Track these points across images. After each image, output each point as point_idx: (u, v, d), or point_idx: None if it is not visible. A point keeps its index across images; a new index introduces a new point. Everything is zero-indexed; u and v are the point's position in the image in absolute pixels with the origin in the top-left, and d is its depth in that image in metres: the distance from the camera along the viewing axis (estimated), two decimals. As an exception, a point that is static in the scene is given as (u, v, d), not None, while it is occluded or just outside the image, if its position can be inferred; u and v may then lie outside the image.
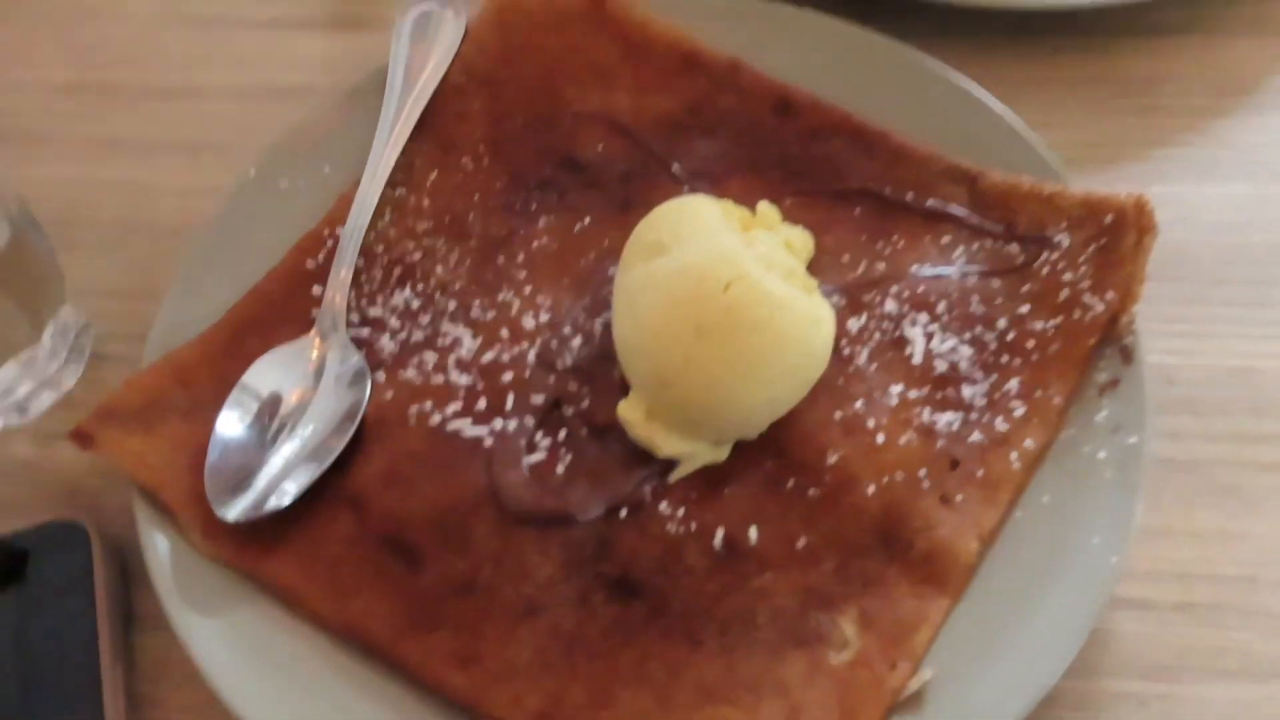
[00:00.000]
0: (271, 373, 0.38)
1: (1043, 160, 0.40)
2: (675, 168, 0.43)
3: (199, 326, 0.40)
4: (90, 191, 0.48)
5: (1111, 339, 0.37)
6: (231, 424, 0.36)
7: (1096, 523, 0.34)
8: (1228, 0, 0.48)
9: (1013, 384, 0.37)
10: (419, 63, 0.46)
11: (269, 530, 0.35)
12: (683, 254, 0.33)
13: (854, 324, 0.38)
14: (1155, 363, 0.39)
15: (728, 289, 0.32)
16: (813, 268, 0.39)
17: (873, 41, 0.44)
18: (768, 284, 0.32)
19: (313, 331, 0.39)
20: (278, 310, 0.41)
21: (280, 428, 0.37)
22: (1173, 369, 0.40)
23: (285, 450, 0.36)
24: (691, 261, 0.33)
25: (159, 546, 0.35)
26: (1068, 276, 0.38)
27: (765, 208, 0.37)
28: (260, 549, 0.35)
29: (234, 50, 0.52)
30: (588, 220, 0.42)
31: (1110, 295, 0.37)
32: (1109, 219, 0.37)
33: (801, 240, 0.38)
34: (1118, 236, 0.37)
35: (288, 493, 0.35)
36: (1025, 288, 0.38)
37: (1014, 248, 0.39)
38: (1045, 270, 0.38)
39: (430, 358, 0.39)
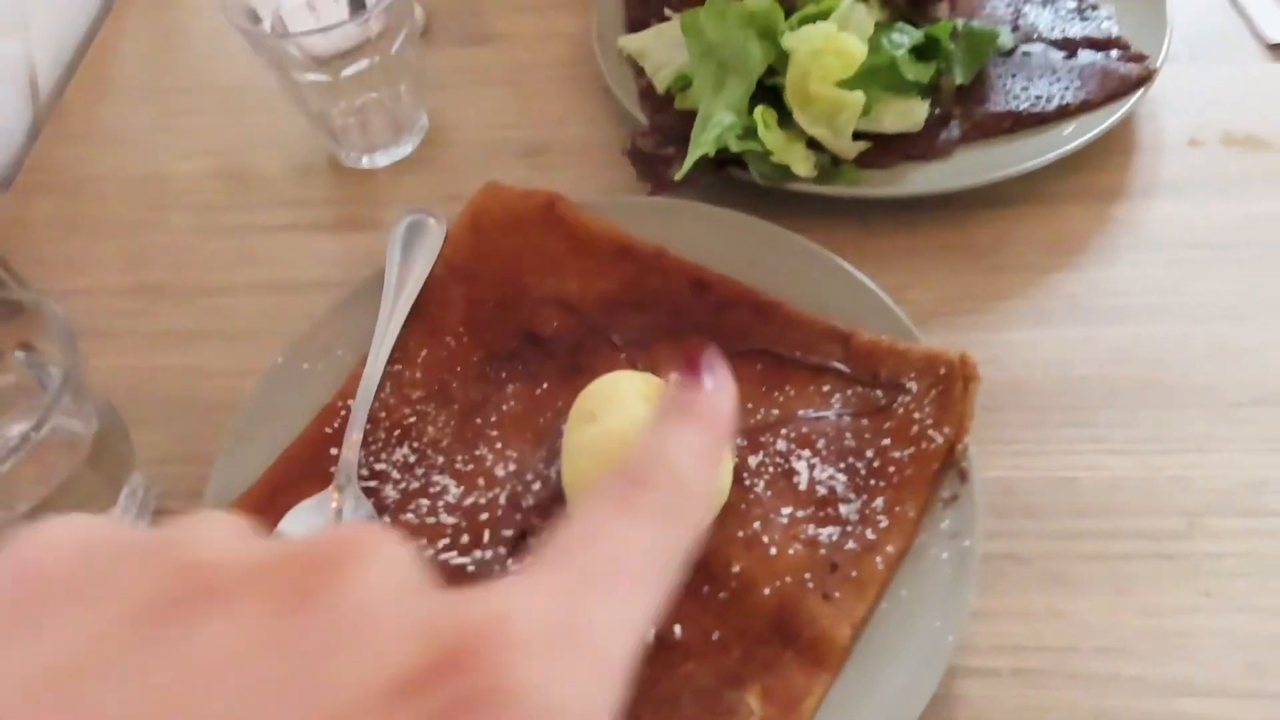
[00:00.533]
0: (301, 521, 0.48)
1: (899, 320, 0.51)
2: (614, 338, 0.54)
3: (243, 485, 0.50)
4: (149, 376, 0.59)
5: (952, 463, 0.47)
6: (271, 566, 0.47)
7: (938, 609, 0.43)
8: (1057, 175, 0.59)
9: (878, 502, 0.47)
10: (409, 261, 0.58)
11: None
12: (607, 422, 0.44)
13: (753, 461, 0.48)
14: (998, 476, 0.50)
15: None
16: (723, 415, 0.50)
17: (766, 229, 0.56)
18: (672, 441, 0.43)
19: (332, 486, 0.50)
20: (304, 470, 0.51)
21: (309, 567, 0.47)
22: (1012, 480, 0.50)
23: (313, 585, 0.46)
24: (614, 428, 0.43)
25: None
26: (917, 415, 0.48)
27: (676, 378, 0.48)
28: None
29: (259, 252, 0.64)
30: (545, 385, 0.53)
31: (947, 430, 0.47)
32: (943, 370, 0.48)
33: (709, 397, 0.49)
34: (950, 384, 0.48)
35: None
36: (886, 425, 0.49)
37: (878, 393, 0.50)
38: (900, 411, 0.49)
39: (424, 503, 0.49)
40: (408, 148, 0.67)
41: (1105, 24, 0.64)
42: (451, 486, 0.50)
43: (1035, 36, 0.64)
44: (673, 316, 0.55)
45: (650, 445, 0.25)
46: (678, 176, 0.57)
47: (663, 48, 0.65)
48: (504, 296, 0.56)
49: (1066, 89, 0.61)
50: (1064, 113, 0.60)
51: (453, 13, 0.76)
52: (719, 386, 0.27)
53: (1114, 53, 0.62)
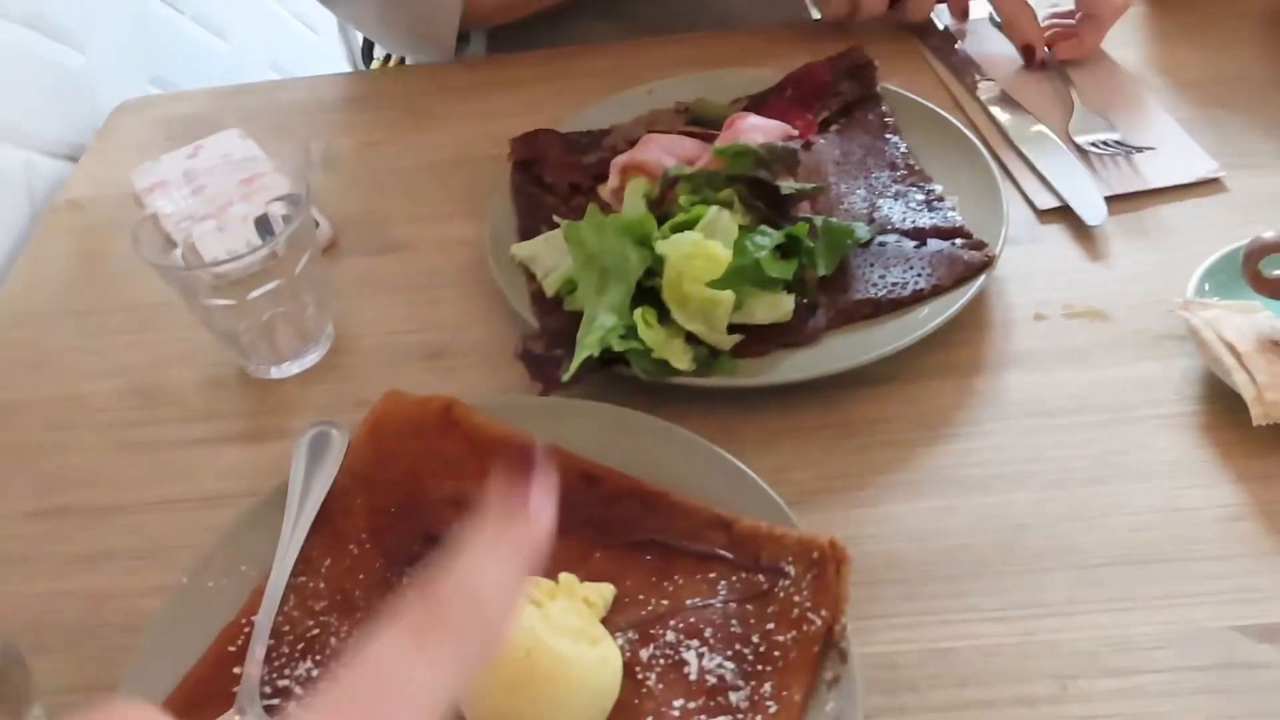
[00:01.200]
0: (200, 749, 0.49)
1: (776, 505, 0.54)
2: (512, 537, 0.56)
3: (142, 715, 0.51)
4: (54, 601, 0.59)
5: (832, 643, 0.49)
6: (167, 800, 0.47)
7: (827, 794, 0.45)
8: (920, 353, 0.64)
9: (766, 687, 0.49)
10: (313, 473, 0.60)
11: None
12: (494, 631, 0.45)
13: (644, 654, 0.50)
14: (882, 651, 0.52)
15: (528, 654, 0.44)
16: (615, 608, 0.52)
17: (650, 423, 0.59)
18: (558, 646, 0.45)
19: (233, 709, 0.50)
20: (207, 692, 0.52)
21: (205, 798, 0.47)
22: (895, 655, 0.52)
23: (209, 816, 0.46)
24: (500, 637, 0.45)
25: None
26: (796, 599, 0.51)
27: (565, 578, 0.50)
28: None
29: (169, 467, 0.66)
30: (445, 589, 0.55)
31: (824, 612, 0.50)
32: (816, 555, 0.51)
33: (599, 594, 0.51)
34: (823, 567, 0.51)
35: None
36: (770, 609, 0.51)
37: (760, 578, 0.52)
38: (782, 594, 0.51)
39: None
40: (314, 357, 0.71)
41: (950, 214, 0.70)
42: (351, 701, 0.50)
43: (889, 227, 0.70)
44: (567, 510, 0.56)
45: (460, 572, 0.26)
46: (565, 378, 0.61)
47: (551, 253, 0.70)
48: (404, 501, 0.59)
49: (919, 275, 0.67)
50: (919, 297, 0.66)
51: (360, 224, 0.81)
52: (540, 512, 0.28)
53: (958, 241, 0.68)
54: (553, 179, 0.78)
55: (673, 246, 0.62)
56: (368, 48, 1.35)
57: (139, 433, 0.69)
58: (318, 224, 0.79)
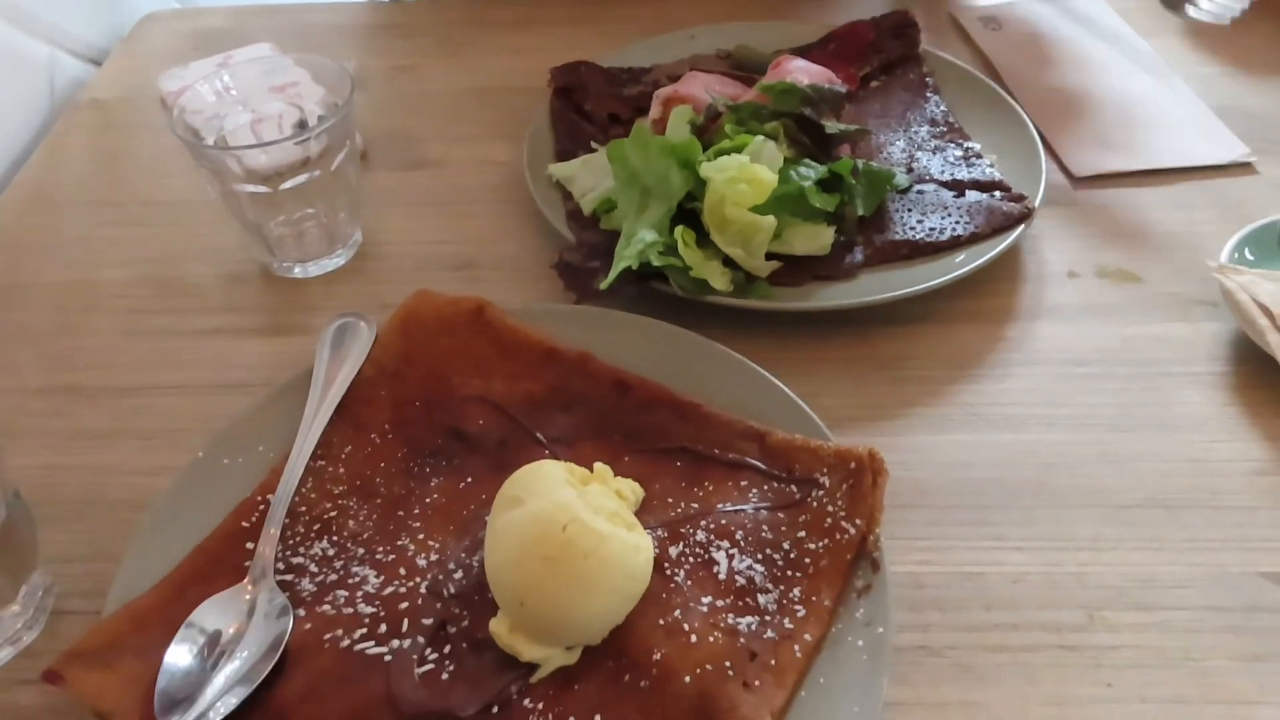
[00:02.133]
0: (212, 613, 0.47)
1: (811, 421, 0.54)
2: (540, 436, 0.55)
3: (153, 581, 0.49)
4: (60, 475, 0.58)
5: (864, 554, 0.49)
6: (178, 655, 0.45)
7: (856, 696, 0.44)
8: (952, 297, 0.64)
9: (795, 592, 0.48)
10: (338, 362, 0.59)
11: (206, 744, 0.43)
12: (533, 505, 0.44)
13: (674, 551, 0.49)
14: (908, 571, 0.52)
15: (565, 529, 0.43)
16: (643, 509, 0.51)
17: (686, 336, 0.59)
18: (595, 524, 0.44)
19: (246, 579, 0.49)
20: (218, 563, 0.50)
21: (219, 657, 0.45)
22: (921, 575, 0.51)
23: (222, 675, 0.45)
24: (539, 510, 0.44)
25: (109, 766, 0.43)
26: (830, 508, 0.50)
27: (600, 467, 0.49)
28: (198, 761, 0.43)
29: (183, 355, 0.64)
30: (470, 479, 0.54)
31: (859, 522, 0.49)
32: (853, 465, 0.51)
33: (631, 489, 0.51)
34: (860, 478, 0.50)
35: (221, 711, 0.44)
36: (801, 518, 0.50)
37: (792, 488, 0.52)
38: (814, 504, 0.51)
39: (342, 594, 0.48)
40: (340, 259, 0.69)
41: (988, 170, 0.71)
42: (371, 577, 0.49)
43: (927, 178, 0.70)
44: (597, 416, 0.56)
45: None
46: (603, 286, 0.60)
47: (589, 174, 0.69)
48: (431, 396, 0.58)
49: (957, 223, 0.67)
50: (956, 243, 0.65)
51: (391, 140, 0.80)
52: None
53: (997, 194, 0.68)
54: (592, 107, 0.77)
55: (717, 169, 0.62)
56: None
57: (154, 320, 0.67)
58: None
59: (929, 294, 0.62)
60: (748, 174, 0.62)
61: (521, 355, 0.59)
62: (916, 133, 0.75)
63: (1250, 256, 0.65)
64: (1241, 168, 0.75)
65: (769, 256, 0.63)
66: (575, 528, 0.43)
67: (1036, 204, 0.67)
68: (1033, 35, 0.89)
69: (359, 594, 0.48)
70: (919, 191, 0.70)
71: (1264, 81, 0.84)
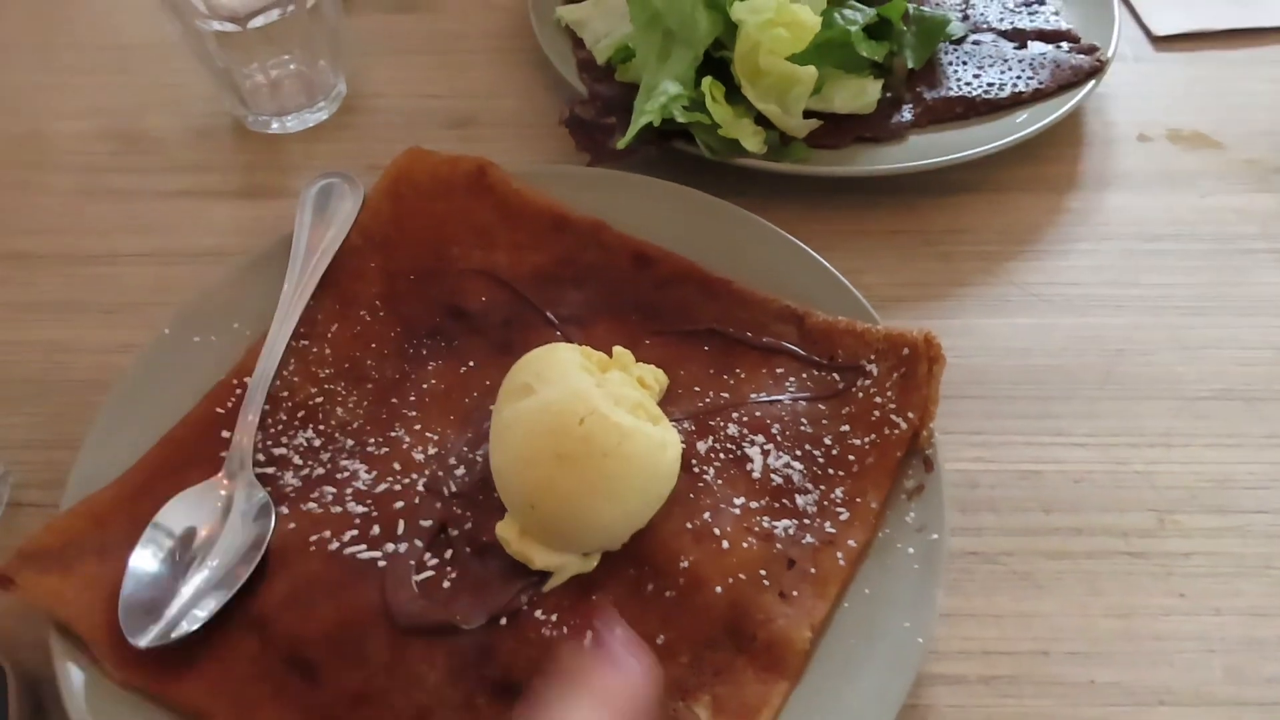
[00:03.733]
0: (182, 511, 0.42)
1: (857, 301, 0.48)
2: (549, 314, 0.49)
3: (116, 473, 0.44)
4: (13, 352, 0.52)
5: (916, 451, 0.43)
6: (145, 559, 0.40)
7: (907, 609, 0.39)
8: (1010, 163, 0.57)
9: (838, 492, 0.43)
10: (321, 228, 0.52)
11: (179, 656, 0.38)
12: (545, 394, 0.39)
13: (702, 446, 0.44)
14: (961, 469, 0.47)
15: (582, 422, 0.38)
16: (667, 398, 0.46)
17: (714, 204, 0.52)
18: (616, 417, 0.38)
19: (221, 472, 0.44)
20: (188, 454, 0.45)
21: (191, 560, 0.40)
22: (975, 474, 0.46)
23: (195, 581, 0.40)
24: (553, 400, 0.38)
25: (73, 679, 0.38)
26: (878, 399, 0.44)
27: (620, 352, 0.43)
28: (171, 673, 0.38)
29: (148, 219, 0.58)
30: (472, 363, 0.48)
31: (911, 415, 0.44)
32: (906, 351, 0.45)
33: (654, 376, 0.45)
34: (913, 365, 0.44)
35: (197, 618, 0.39)
36: (845, 410, 0.45)
37: (835, 376, 0.46)
38: (860, 395, 0.45)
39: (329, 491, 0.43)
40: (323, 114, 0.62)
41: (1053, 18, 0.62)
42: (362, 472, 0.44)
43: (985, 27, 0.62)
44: (613, 293, 0.50)
45: None
46: (620, 145, 0.53)
47: (603, 18, 0.61)
48: (426, 268, 0.51)
49: (1019, 78, 0.59)
50: (1017, 100, 0.58)
51: (375, -20, 0.71)
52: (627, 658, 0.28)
53: (1064, 45, 0.60)
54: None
55: (751, 10, 0.54)
56: None
57: (115, 179, 0.60)
58: (328, -29, 0.69)
59: (984, 159, 0.55)
60: (786, 16, 0.54)
61: (528, 223, 0.52)
62: (971, -26, 0.66)
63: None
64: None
65: (807, 114, 0.56)
66: (594, 420, 0.38)
67: (1110, 55, 0.59)
68: None
69: (348, 491, 0.43)
70: (975, 42, 0.62)
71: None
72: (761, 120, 0.56)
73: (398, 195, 0.53)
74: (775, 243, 0.50)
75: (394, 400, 0.47)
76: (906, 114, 0.58)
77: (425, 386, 0.47)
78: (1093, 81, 0.58)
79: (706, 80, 0.54)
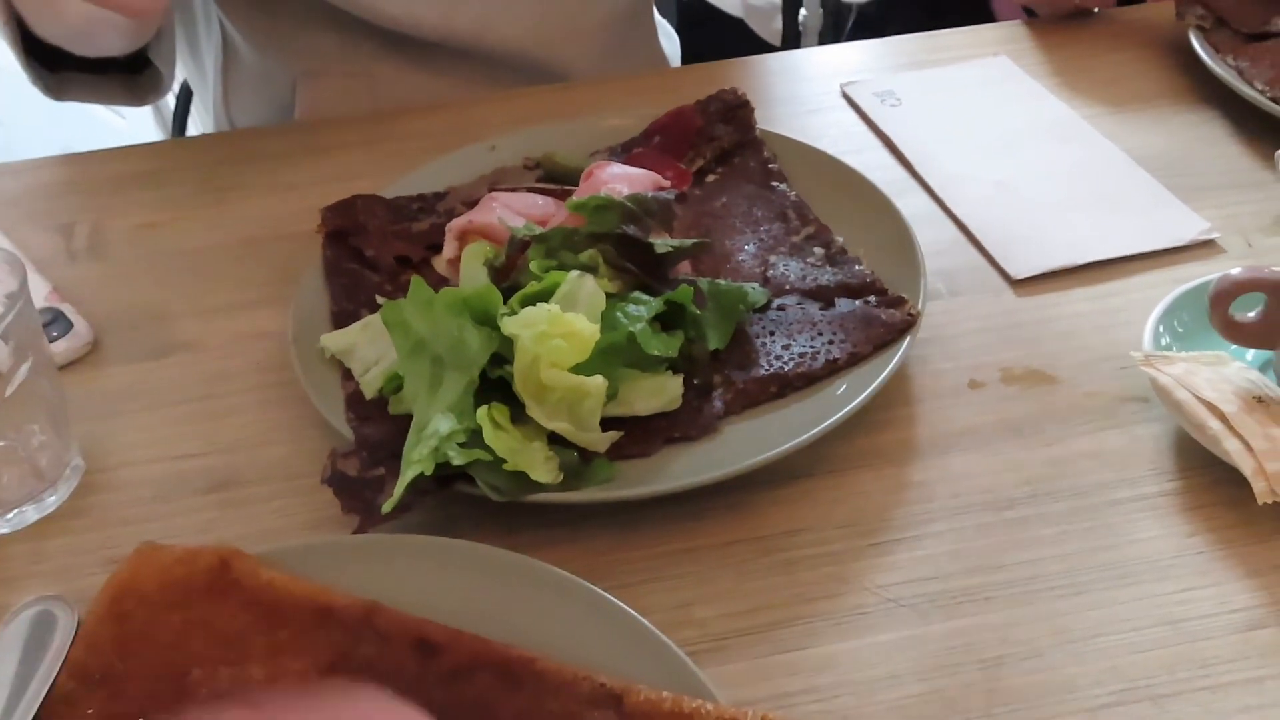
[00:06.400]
0: None
1: (683, 666, 0.40)
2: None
3: None
4: None
5: None
6: None
7: None
8: (840, 438, 0.52)
9: None
10: (27, 672, 0.42)
11: None
12: None
13: None
14: None
15: None
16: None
17: (505, 561, 0.44)
18: None
19: None
20: None
21: None
22: None
23: None
24: None
25: None
26: (719, 803, 0.36)
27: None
28: None
29: None
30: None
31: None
32: (742, 736, 0.37)
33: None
34: (755, 756, 0.36)
35: None
36: (684, 822, 0.36)
37: (667, 775, 0.37)
38: (699, 798, 0.36)
39: None
40: (54, 499, 0.53)
41: (857, 268, 0.59)
42: None
43: (788, 288, 0.58)
44: (397, 692, 0.41)
45: None
46: (387, 507, 0.45)
47: (371, 344, 0.55)
48: (160, 703, 0.41)
49: (830, 342, 0.54)
50: (834, 368, 0.53)
51: (132, 322, 0.64)
52: None
53: (872, 298, 0.57)
54: (375, 253, 0.63)
55: (523, 324, 0.48)
56: (179, 119, 1.17)
57: None
58: (71, 325, 0.62)
59: (813, 442, 0.49)
60: (561, 326, 0.48)
61: (286, 620, 0.43)
62: (767, 232, 0.63)
63: (1180, 329, 0.55)
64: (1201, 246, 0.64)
65: (607, 424, 0.50)
66: None
67: (920, 306, 0.55)
68: (936, 108, 0.78)
69: None
70: (780, 307, 0.57)
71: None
72: (556, 438, 0.49)
73: (121, 615, 0.43)
74: (579, 598, 0.43)
75: None
76: (718, 403, 0.52)
77: None
78: (908, 336, 0.54)
79: (485, 409, 0.48)
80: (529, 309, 0.49)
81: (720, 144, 0.69)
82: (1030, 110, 0.77)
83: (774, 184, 0.66)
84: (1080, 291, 0.61)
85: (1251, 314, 0.51)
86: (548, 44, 0.86)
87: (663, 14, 1.06)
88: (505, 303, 0.51)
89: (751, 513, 0.50)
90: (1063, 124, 0.75)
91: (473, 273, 0.55)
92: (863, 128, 0.76)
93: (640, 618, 0.41)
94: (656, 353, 0.50)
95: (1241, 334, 0.52)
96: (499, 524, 0.47)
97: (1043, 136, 0.74)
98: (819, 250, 0.61)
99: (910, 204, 0.66)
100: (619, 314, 0.51)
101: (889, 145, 0.74)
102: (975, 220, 0.67)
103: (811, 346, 0.55)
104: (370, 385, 0.53)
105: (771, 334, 0.56)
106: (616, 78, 0.85)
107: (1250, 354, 0.54)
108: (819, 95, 0.80)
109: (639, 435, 0.51)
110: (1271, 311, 0.51)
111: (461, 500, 0.48)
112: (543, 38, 0.86)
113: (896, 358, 0.53)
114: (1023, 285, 0.62)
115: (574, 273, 0.52)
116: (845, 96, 0.80)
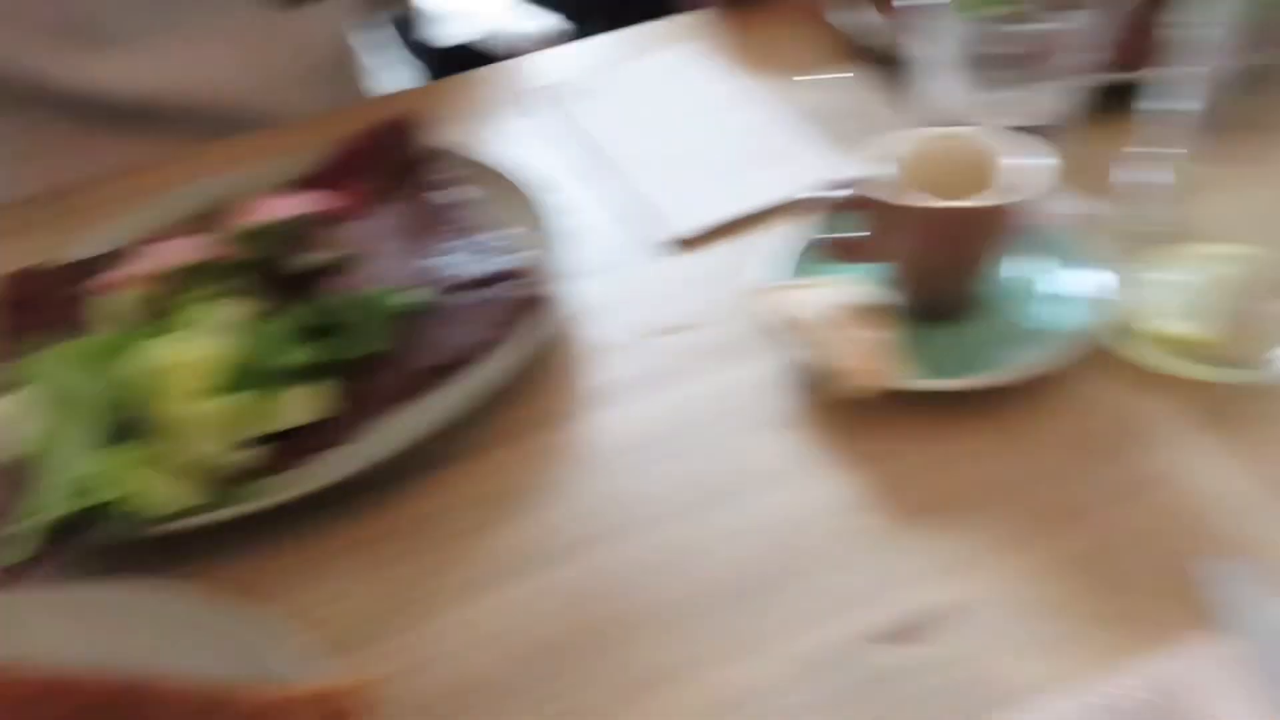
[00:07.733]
0: None
1: (293, 655, 0.41)
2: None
3: None
4: None
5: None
6: None
7: None
8: (491, 418, 0.54)
9: None
10: None
11: None
12: None
13: None
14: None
15: None
16: None
17: (109, 598, 0.45)
18: None
19: None
20: None
21: None
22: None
23: None
24: None
25: None
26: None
27: None
28: None
29: None
30: None
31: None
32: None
33: None
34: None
35: None
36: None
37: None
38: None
39: None
40: None
41: (514, 258, 0.61)
42: None
43: (449, 286, 0.61)
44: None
45: None
46: (10, 559, 0.46)
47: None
48: None
49: (486, 328, 0.57)
50: (483, 351, 0.56)
51: None
52: None
53: (523, 281, 0.59)
54: (55, 319, 0.63)
55: (142, 361, 0.49)
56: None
57: None
58: None
59: (471, 426, 0.52)
60: (180, 356, 0.50)
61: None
62: (433, 237, 0.65)
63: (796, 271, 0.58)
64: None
65: (267, 439, 0.51)
66: None
67: (562, 281, 0.58)
68: (629, 99, 0.82)
69: None
70: (439, 305, 0.60)
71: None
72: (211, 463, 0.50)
73: None
74: (188, 613, 0.44)
75: None
76: (375, 403, 0.54)
77: None
78: (550, 314, 0.56)
79: (118, 450, 0.49)
80: (155, 344, 0.51)
81: (393, 164, 0.71)
82: (712, 87, 0.82)
83: (444, 193, 0.69)
84: (745, 241, 0.65)
85: (855, 234, 0.55)
86: (247, 96, 0.87)
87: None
88: (127, 342, 0.51)
89: (399, 506, 0.51)
90: (740, 95, 0.80)
91: (105, 319, 0.55)
92: (565, 127, 0.79)
93: (250, 618, 0.43)
94: (288, 362, 0.52)
95: (850, 254, 0.56)
96: (164, 556, 0.48)
97: (723, 108, 0.79)
98: (480, 248, 0.63)
99: (603, 190, 0.70)
100: (261, 335, 0.53)
101: (586, 139, 0.77)
102: (656, 193, 0.70)
103: (467, 336, 0.57)
104: (8, 450, 0.53)
105: (434, 329, 0.58)
106: (310, 119, 0.85)
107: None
108: (523, 101, 0.83)
109: (294, 447, 0.52)
110: (865, 226, 0.55)
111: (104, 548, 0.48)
112: (241, 92, 0.87)
113: (536, 334, 0.55)
114: (692, 245, 0.66)
115: (209, 303, 0.53)
116: (546, 99, 0.83)
